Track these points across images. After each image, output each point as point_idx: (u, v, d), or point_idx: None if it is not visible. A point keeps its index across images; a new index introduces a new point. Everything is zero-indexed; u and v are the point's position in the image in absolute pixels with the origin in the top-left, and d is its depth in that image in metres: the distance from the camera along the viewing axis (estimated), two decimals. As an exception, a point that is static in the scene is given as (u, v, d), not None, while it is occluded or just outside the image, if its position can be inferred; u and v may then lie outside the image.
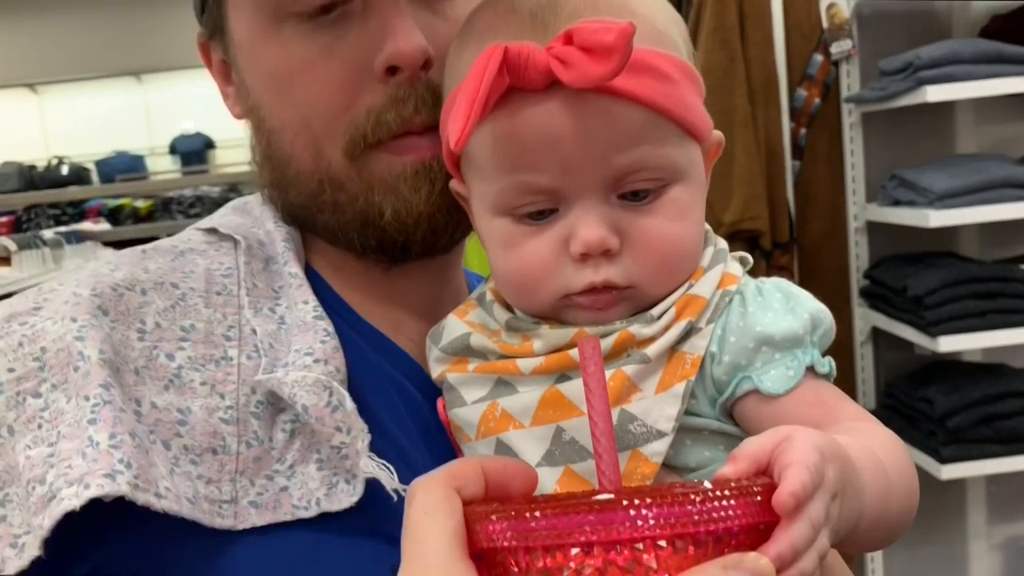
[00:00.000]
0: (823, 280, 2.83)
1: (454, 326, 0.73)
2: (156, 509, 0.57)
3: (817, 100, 2.77)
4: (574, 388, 0.65)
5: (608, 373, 0.63)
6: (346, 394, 0.65)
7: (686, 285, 0.68)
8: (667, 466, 0.64)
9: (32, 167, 7.24)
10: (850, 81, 2.74)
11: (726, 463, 0.47)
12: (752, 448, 0.47)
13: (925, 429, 2.55)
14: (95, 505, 0.55)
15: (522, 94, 0.62)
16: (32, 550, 0.54)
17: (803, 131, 2.79)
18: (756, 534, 0.42)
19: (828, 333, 0.67)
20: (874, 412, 2.78)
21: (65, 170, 7.30)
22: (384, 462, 0.64)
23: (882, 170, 2.70)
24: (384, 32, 0.69)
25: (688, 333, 0.66)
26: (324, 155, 0.73)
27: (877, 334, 2.82)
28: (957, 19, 2.77)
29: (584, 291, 0.65)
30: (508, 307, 0.72)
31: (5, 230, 5.61)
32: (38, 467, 0.57)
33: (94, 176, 7.60)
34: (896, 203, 2.58)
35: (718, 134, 0.72)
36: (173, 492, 0.58)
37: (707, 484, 0.45)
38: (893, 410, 2.71)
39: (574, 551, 0.40)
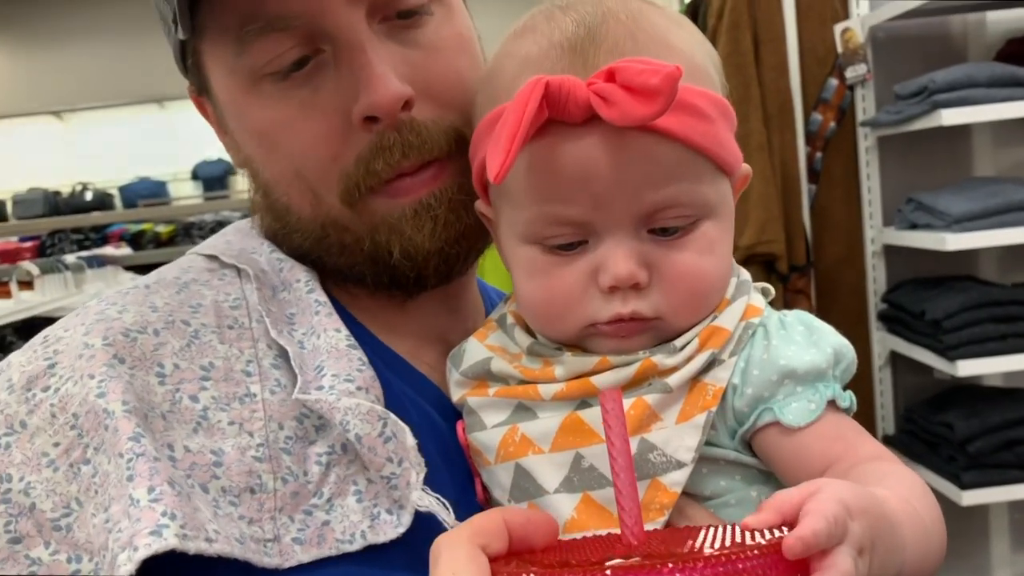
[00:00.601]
0: (840, 304, 2.82)
1: (475, 349, 0.73)
2: (209, 554, 0.56)
3: (832, 124, 2.77)
4: (594, 414, 0.65)
5: (629, 401, 0.64)
6: (406, 428, 0.65)
7: (710, 316, 0.68)
8: (683, 493, 0.64)
9: (57, 193, 7.34)
10: (865, 105, 2.74)
11: (755, 513, 0.47)
12: (779, 499, 0.47)
13: (945, 454, 2.53)
14: (162, 558, 0.55)
15: (559, 127, 0.62)
16: None
17: (819, 155, 2.79)
18: None
19: (850, 367, 0.67)
20: (893, 437, 2.76)
21: (89, 196, 7.40)
22: (438, 496, 0.64)
23: (899, 194, 2.70)
24: (357, 82, 0.69)
25: (711, 364, 0.66)
26: (323, 202, 0.72)
27: (896, 358, 2.80)
28: (972, 42, 2.77)
29: (611, 321, 0.66)
30: (530, 331, 0.72)
31: (29, 255, 5.68)
32: (101, 535, 0.57)
33: (117, 201, 7.70)
34: (913, 226, 2.57)
35: (746, 167, 0.72)
36: (222, 534, 0.58)
37: (727, 532, 0.46)
38: (912, 435, 2.69)
39: None
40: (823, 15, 2.75)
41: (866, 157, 2.75)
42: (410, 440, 0.64)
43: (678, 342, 0.67)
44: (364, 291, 0.76)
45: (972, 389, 2.66)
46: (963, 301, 2.42)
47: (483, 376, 0.71)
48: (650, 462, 0.63)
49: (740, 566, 0.41)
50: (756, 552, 0.42)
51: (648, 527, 0.51)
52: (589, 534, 0.59)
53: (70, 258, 4.33)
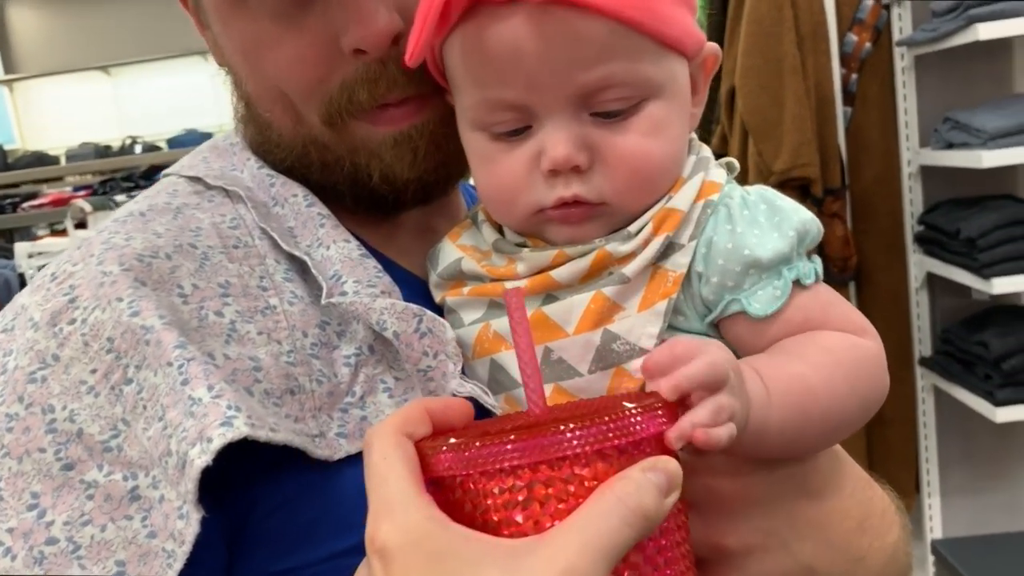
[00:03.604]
0: (877, 226, 2.81)
1: (448, 250, 0.74)
2: (276, 442, 0.58)
3: (868, 44, 2.74)
4: (558, 309, 0.66)
5: (587, 295, 0.66)
6: (445, 323, 0.68)
7: (664, 198, 0.67)
8: None
9: (108, 147, 7.49)
10: (902, 24, 2.70)
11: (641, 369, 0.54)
12: (652, 362, 0.53)
13: (981, 373, 2.54)
14: (222, 458, 0.56)
15: (488, 7, 0.62)
16: (194, 514, 0.55)
17: (854, 76, 2.77)
18: (662, 442, 0.50)
19: (815, 239, 0.67)
20: (930, 359, 2.77)
21: (139, 149, 7.53)
22: (475, 382, 0.67)
23: (937, 114, 2.67)
24: (346, 12, 0.67)
25: (668, 249, 0.66)
26: (304, 121, 0.72)
27: (933, 280, 2.79)
28: (1013, -44, 2.71)
29: (556, 206, 0.66)
30: (498, 228, 0.72)
31: (82, 201, 5.83)
32: (161, 442, 0.58)
33: (167, 151, 7.83)
34: (950, 146, 2.55)
35: (712, 46, 0.71)
36: (281, 427, 0.59)
37: (621, 401, 0.53)
38: (949, 355, 2.70)
39: (511, 471, 0.47)
40: (858, -67, 2.71)
41: (902, 78, 2.72)
42: (449, 333, 0.67)
43: (632, 227, 0.66)
44: (345, 209, 0.76)
45: (1010, 310, 2.66)
46: (997, 219, 2.42)
47: (457, 276, 0.72)
48: (614, 351, 0.64)
49: (630, 420, 0.48)
50: (641, 408, 0.49)
51: None
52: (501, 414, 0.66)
53: (121, 197, 4.45)
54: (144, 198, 0.74)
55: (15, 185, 6.25)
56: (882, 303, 2.85)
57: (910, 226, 2.78)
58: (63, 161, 7.09)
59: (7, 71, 8.25)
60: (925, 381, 2.83)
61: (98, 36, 7.98)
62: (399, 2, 0.68)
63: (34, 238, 4.88)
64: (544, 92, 0.63)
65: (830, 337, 0.64)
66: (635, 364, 0.64)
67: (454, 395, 0.65)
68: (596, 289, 0.66)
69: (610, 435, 0.47)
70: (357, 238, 0.73)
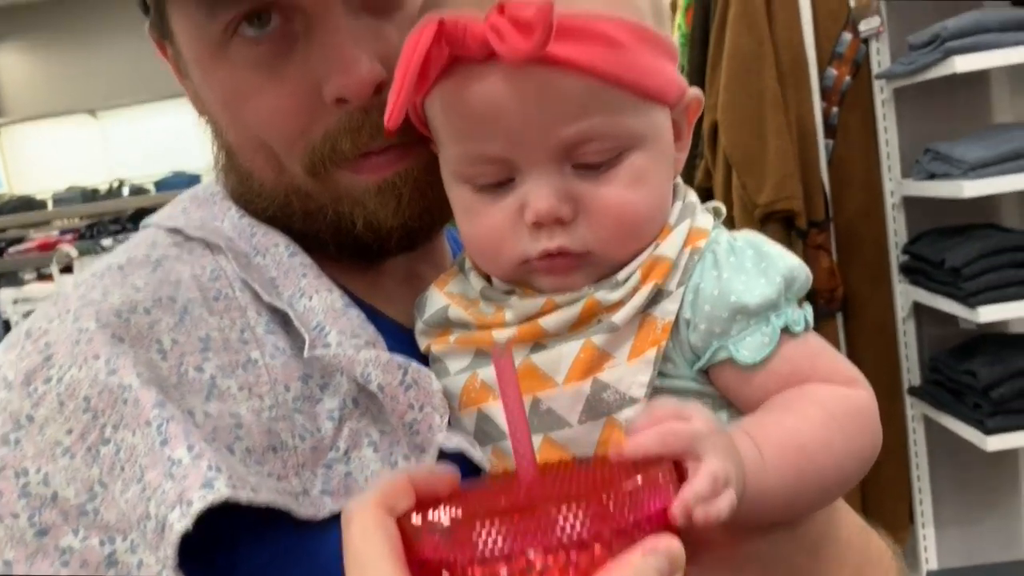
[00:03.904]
0: (862, 257, 2.82)
1: (435, 298, 0.73)
2: (258, 503, 0.56)
3: (848, 78, 2.77)
4: (547, 359, 0.65)
5: (577, 344, 0.65)
6: (430, 373, 0.67)
7: (652, 246, 0.67)
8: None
9: (95, 190, 7.48)
10: (880, 58, 2.73)
11: (627, 436, 0.51)
12: (641, 438, 0.51)
13: (970, 402, 2.53)
14: (203, 521, 0.55)
15: (467, 65, 0.61)
16: None
17: (835, 110, 2.79)
18: (663, 515, 0.48)
19: (803, 286, 0.67)
20: (919, 388, 2.77)
21: (126, 191, 7.53)
22: (463, 434, 0.66)
23: (917, 145, 2.69)
24: (328, 61, 0.67)
25: (657, 297, 0.65)
26: (286, 170, 0.72)
27: (919, 309, 2.80)
28: (987, -10, 2.75)
29: (541, 257, 0.65)
30: (485, 276, 0.72)
31: (69, 246, 5.81)
32: (140, 505, 0.56)
33: (153, 194, 7.83)
34: (931, 176, 2.57)
35: (694, 92, 0.70)
36: (263, 486, 0.58)
37: (607, 464, 0.51)
38: (938, 384, 2.69)
39: (503, 558, 0.44)
40: (834, -30, 2.75)
41: (883, 110, 2.75)
42: (435, 385, 0.66)
43: (620, 275, 0.66)
44: (328, 257, 0.74)
45: (997, 338, 2.66)
46: (982, 248, 2.43)
47: (444, 324, 0.71)
48: (604, 401, 0.64)
49: (630, 499, 0.45)
50: (639, 486, 0.46)
51: None
52: (488, 478, 0.63)
53: (108, 242, 4.44)
54: (123, 251, 0.73)
55: (1, 230, 6.23)
56: (869, 334, 2.85)
57: (895, 256, 2.79)
58: (50, 204, 7.08)
59: (-6, 116, 8.27)
60: (915, 411, 2.83)
61: (85, 79, 8.01)
62: (381, 51, 0.68)
63: (20, 283, 4.86)
64: (526, 147, 0.63)
65: (821, 390, 0.63)
66: (626, 414, 0.63)
67: (441, 449, 0.64)
68: (585, 338, 0.65)
69: (608, 518, 0.44)
70: (341, 287, 0.72)
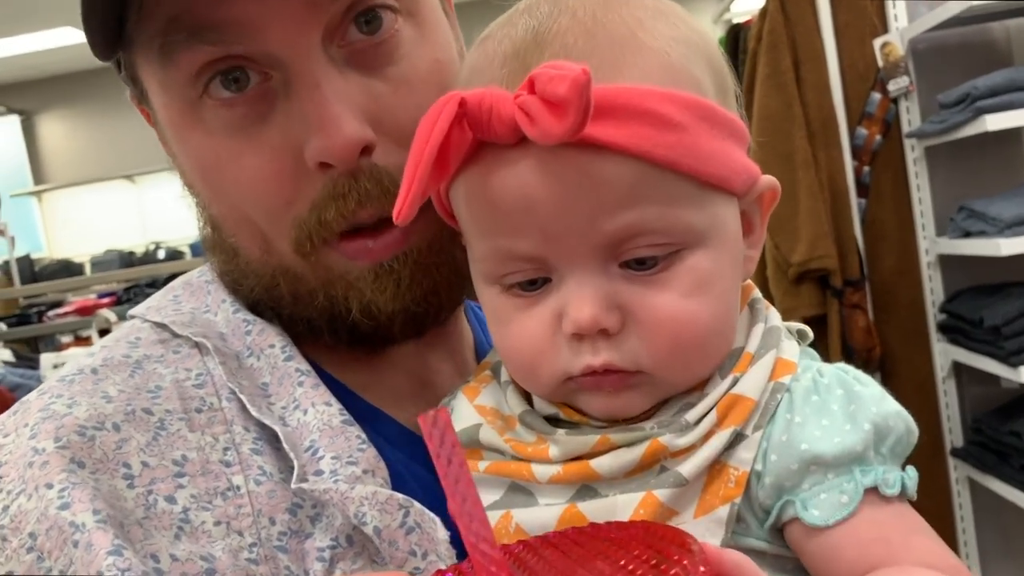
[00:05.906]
0: (898, 316, 2.80)
1: (463, 411, 0.63)
2: None
3: (878, 137, 2.78)
4: (599, 509, 0.55)
5: (636, 496, 0.55)
6: (435, 518, 0.57)
7: (730, 379, 0.57)
8: None
9: (132, 253, 7.62)
10: (911, 116, 2.74)
11: None
12: None
13: (1016, 463, 2.48)
14: None
15: (494, 148, 0.54)
16: None
17: (866, 168, 2.79)
18: None
19: (902, 440, 0.56)
20: (961, 449, 2.72)
21: (162, 254, 7.66)
22: None
23: (951, 203, 2.68)
24: (308, 121, 0.60)
25: (732, 442, 0.55)
26: (273, 248, 0.64)
27: (959, 369, 2.76)
28: (1016, 47, 2.76)
29: (585, 373, 0.56)
30: (525, 392, 0.62)
31: (107, 310, 5.90)
32: None
33: (188, 258, 7.96)
34: (967, 234, 2.55)
35: (769, 180, 0.60)
36: None
37: None
38: (981, 446, 2.64)
39: None
40: (861, 31, 2.77)
41: (915, 168, 2.75)
42: (441, 533, 0.57)
43: (691, 416, 0.56)
44: (324, 345, 0.67)
45: (1041, 396, 2.62)
46: (1021, 306, 2.39)
47: (473, 445, 0.62)
48: None
49: None
50: None
51: None
52: None
53: (145, 306, 4.50)
54: (102, 348, 0.66)
55: (41, 294, 6.35)
56: (909, 393, 2.81)
57: (932, 315, 2.76)
58: (88, 267, 7.21)
59: (36, 182, 8.47)
60: (959, 473, 2.77)
61: (123, 146, 8.20)
62: (369, 109, 0.61)
63: (59, 346, 4.93)
64: (563, 243, 0.54)
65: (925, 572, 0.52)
66: None
67: None
68: (647, 490, 0.55)
69: None
70: (339, 384, 0.66)
